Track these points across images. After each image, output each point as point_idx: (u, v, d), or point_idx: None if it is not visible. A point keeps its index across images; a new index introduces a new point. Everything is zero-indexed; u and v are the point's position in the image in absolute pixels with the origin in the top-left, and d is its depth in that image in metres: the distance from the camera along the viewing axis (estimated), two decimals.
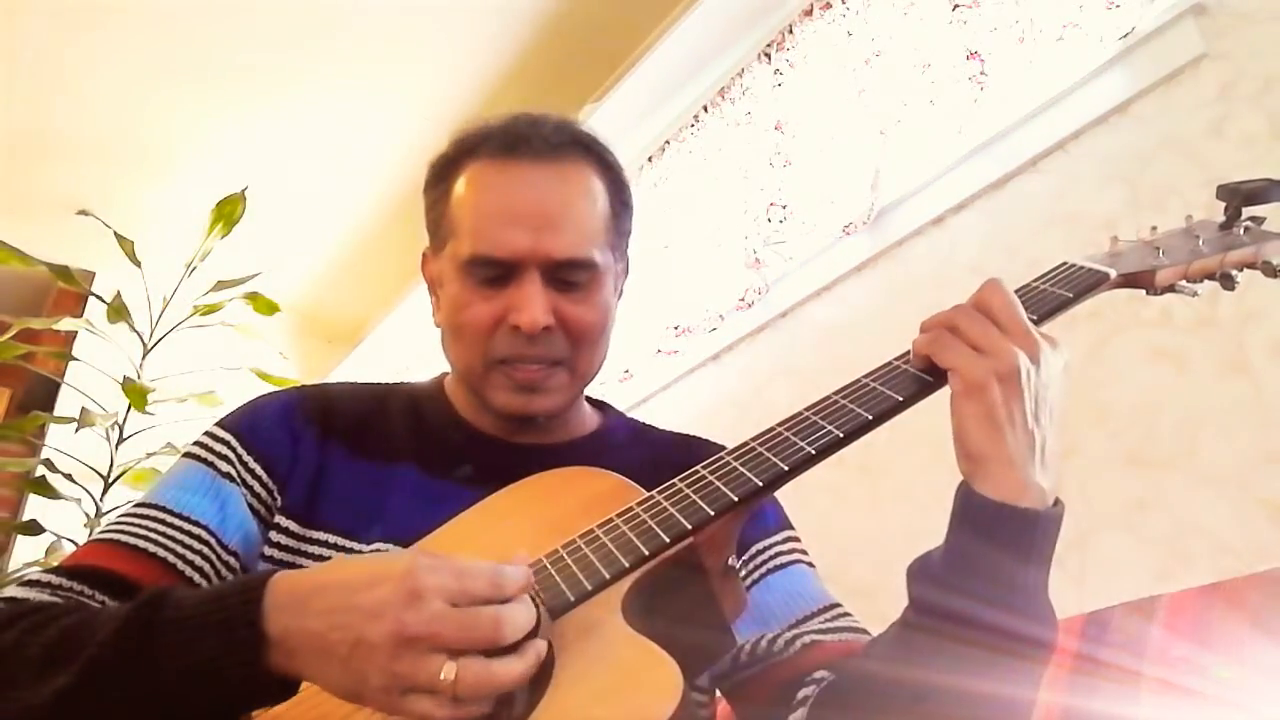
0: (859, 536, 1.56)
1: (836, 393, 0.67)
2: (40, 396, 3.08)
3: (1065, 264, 0.76)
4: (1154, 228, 0.81)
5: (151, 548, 0.73)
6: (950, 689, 0.58)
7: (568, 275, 0.81)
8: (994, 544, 0.60)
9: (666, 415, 2.13)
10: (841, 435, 0.64)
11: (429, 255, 0.92)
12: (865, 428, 0.64)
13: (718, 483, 0.64)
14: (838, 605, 0.80)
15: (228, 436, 0.82)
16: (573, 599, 0.60)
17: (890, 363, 0.68)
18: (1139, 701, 0.84)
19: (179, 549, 0.73)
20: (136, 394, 2.36)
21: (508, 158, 0.82)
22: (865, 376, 0.68)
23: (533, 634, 0.55)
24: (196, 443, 0.82)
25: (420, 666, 0.50)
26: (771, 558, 0.82)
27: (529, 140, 0.83)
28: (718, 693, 0.82)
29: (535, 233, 0.79)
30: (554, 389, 0.83)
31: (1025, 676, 0.60)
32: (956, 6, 1.66)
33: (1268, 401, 1.11)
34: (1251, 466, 1.10)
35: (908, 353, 0.68)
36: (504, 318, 0.80)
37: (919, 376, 0.66)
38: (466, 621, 0.51)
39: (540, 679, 0.57)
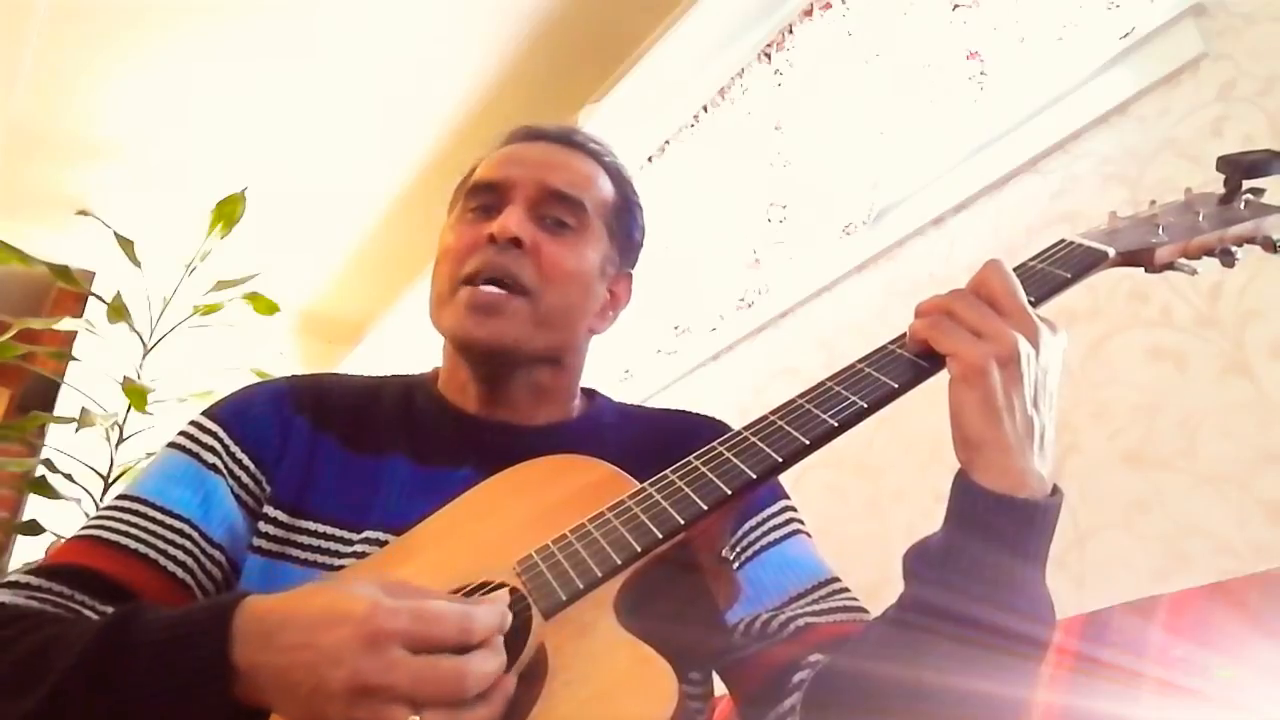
0: (859, 536, 1.56)
1: (830, 379, 0.65)
2: (40, 396, 3.08)
3: (1063, 241, 0.74)
4: (1153, 201, 0.79)
5: (132, 544, 0.72)
6: (947, 687, 0.57)
7: (555, 211, 0.85)
8: (992, 537, 0.58)
9: None
10: (836, 424, 0.62)
11: None
12: (861, 415, 0.62)
13: (710, 474, 0.62)
14: (833, 581, 0.78)
15: (215, 427, 0.80)
16: (565, 598, 0.59)
17: (885, 347, 0.66)
18: (1139, 702, 0.84)
19: (161, 544, 0.72)
20: (136, 394, 2.36)
21: (530, 140, 0.92)
22: (860, 361, 0.66)
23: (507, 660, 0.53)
24: (182, 433, 0.81)
25: (381, 717, 0.48)
26: (765, 533, 0.81)
27: (547, 131, 0.92)
28: (715, 690, 0.82)
29: (532, 166, 0.87)
30: (510, 315, 0.81)
31: (1023, 673, 0.59)
32: (956, 6, 1.66)
33: (1268, 401, 1.11)
34: (1251, 466, 1.10)
35: (903, 336, 0.66)
36: (480, 237, 0.83)
37: (915, 362, 0.64)
38: (427, 674, 0.49)
39: (533, 683, 0.56)
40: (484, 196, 0.86)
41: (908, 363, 0.65)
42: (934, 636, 0.59)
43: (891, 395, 0.63)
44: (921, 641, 0.59)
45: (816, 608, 0.75)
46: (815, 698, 0.67)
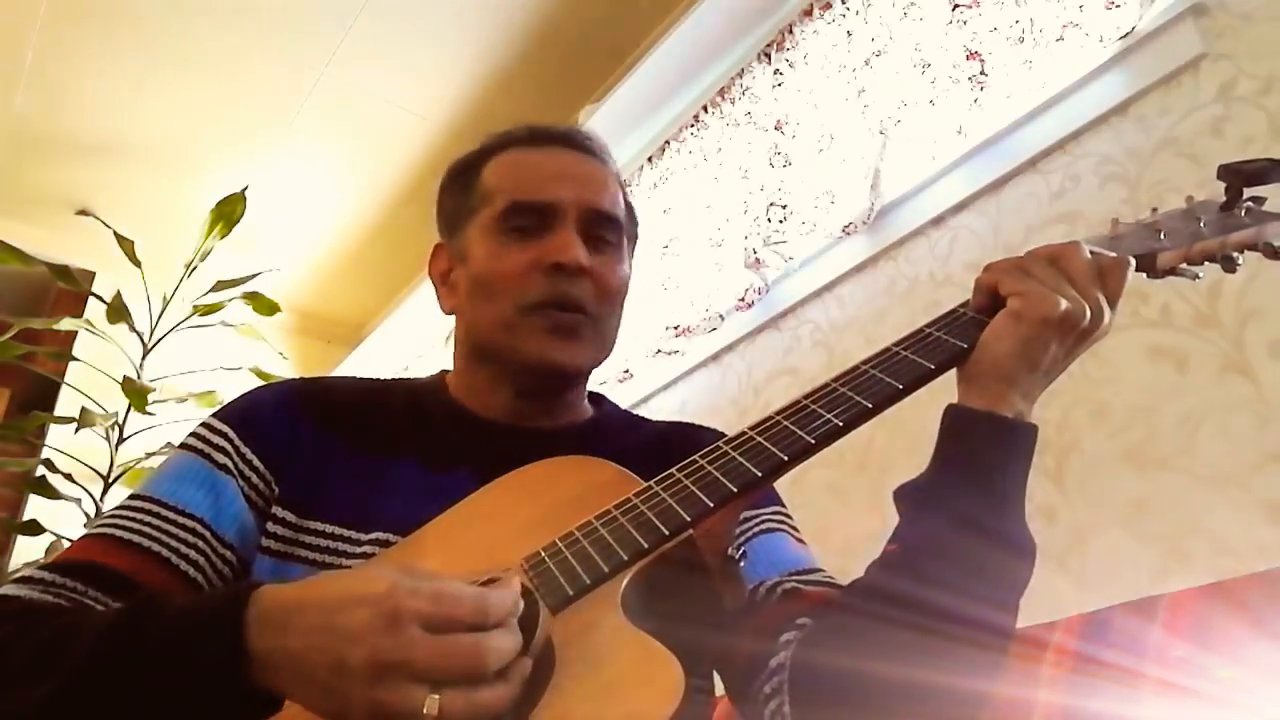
0: (859, 536, 1.56)
1: (835, 380, 0.67)
2: (40, 396, 3.08)
3: None
4: (1155, 209, 0.81)
5: (145, 542, 0.72)
6: (933, 635, 0.59)
7: (601, 231, 0.86)
8: (977, 447, 0.63)
9: (666, 416, 2.13)
10: (842, 424, 0.64)
11: (441, 249, 0.93)
12: (865, 415, 0.65)
13: (716, 473, 0.63)
14: (821, 570, 0.79)
15: (224, 428, 0.81)
16: (571, 593, 0.59)
17: (888, 349, 0.68)
18: (1139, 702, 0.84)
19: (173, 543, 0.73)
20: (136, 394, 2.36)
21: (541, 144, 0.89)
22: (863, 363, 0.68)
23: (520, 651, 0.53)
24: (193, 434, 0.82)
25: (401, 695, 0.49)
26: (758, 524, 0.82)
27: (556, 135, 0.90)
28: (716, 690, 0.82)
29: (577, 185, 0.85)
30: (585, 339, 0.83)
31: (1006, 607, 0.62)
32: (956, 6, 1.66)
33: (1268, 401, 1.11)
34: (1251, 466, 1.10)
35: (891, 352, 0.68)
36: (539, 262, 0.82)
37: (920, 364, 0.66)
38: (446, 649, 0.50)
39: (540, 677, 0.56)
40: (529, 216, 0.84)
41: (912, 364, 0.66)
42: (919, 581, 0.62)
43: (896, 396, 0.65)
44: (906, 587, 0.63)
45: (803, 579, 0.76)
46: (800, 689, 0.67)
